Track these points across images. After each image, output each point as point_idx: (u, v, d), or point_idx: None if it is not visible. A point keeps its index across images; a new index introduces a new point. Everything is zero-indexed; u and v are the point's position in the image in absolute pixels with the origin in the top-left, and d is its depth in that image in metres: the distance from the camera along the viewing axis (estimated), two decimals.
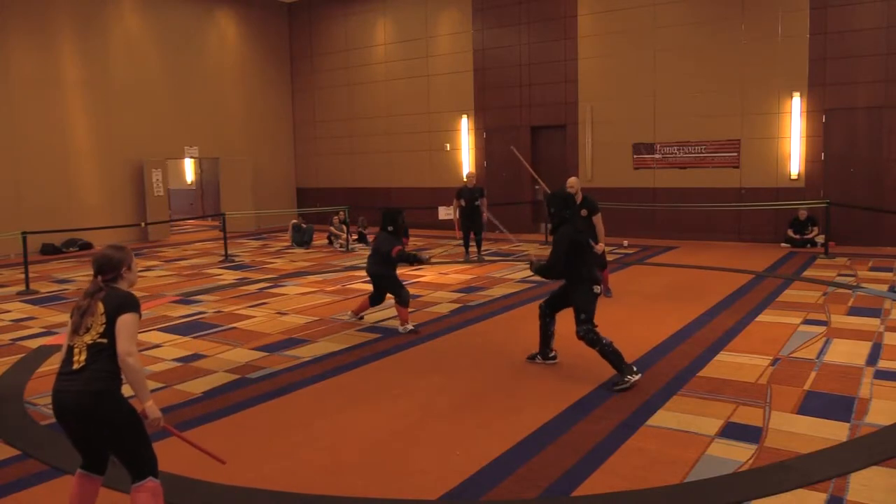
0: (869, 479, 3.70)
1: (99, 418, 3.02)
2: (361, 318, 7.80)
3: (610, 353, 5.32)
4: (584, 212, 8.09)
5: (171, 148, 17.38)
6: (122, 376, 3.07)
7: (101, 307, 3.09)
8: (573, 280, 5.62)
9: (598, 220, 8.22)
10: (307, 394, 5.35)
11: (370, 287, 9.84)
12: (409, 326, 7.24)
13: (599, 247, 7.98)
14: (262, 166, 19.25)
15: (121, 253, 3.27)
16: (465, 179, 12.90)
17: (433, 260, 7.48)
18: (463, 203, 12.00)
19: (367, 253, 13.55)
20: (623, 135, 14.76)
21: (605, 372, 5.66)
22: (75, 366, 3.03)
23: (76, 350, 3.06)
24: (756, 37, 13.28)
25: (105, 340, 3.05)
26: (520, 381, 5.58)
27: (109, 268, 3.21)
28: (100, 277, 3.19)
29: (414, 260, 7.32)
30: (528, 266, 6.00)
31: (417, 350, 6.57)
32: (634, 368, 5.30)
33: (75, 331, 3.09)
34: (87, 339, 3.06)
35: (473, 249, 12.36)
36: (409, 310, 7.68)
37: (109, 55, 16.04)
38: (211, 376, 5.83)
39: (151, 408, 3.09)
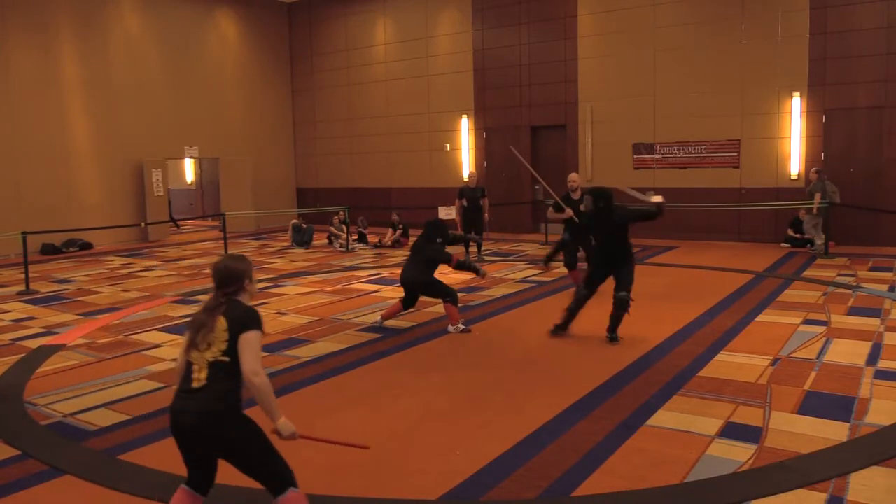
0: (869, 479, 3.70)
1: (221, 439, 2.89)
2: (383, 323, 7.53)
3: (617, 320, 6.53)
4: (583, 207, 8.11)
5: (171, 148, 17.38)
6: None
7: (222, 323, 2.95)
8: (627, 256, 6.62)
9: None
10: (307, 394, 5.35)
11: (370, 287, 9.87)
12: (461, 326, 7.17)
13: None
14: (262, 166, 19.25)
15: (243, 264, 3.12)
16: (466, 179, 12.90)
17: (486, 270, 7.62)
18: (465, 203, 12.02)
19: (367, 253, 13.69)
20: (623, 135, 14.76)
21: (604, 372, 5.66)
22: (195, 384, 2.90)
23: (196, 367, 2.93)
24: (756, 37, 13.28)
25: (227, 359, 2.91)
26: (520, 381, 5.58)
27: (232, 280, 3.06)
28: (221, 291, 3.04)
29: (473, 270, 7.38)
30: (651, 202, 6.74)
31: (417, 350, 6.57)
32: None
33: (194, 346, 2.96)
34: (209, 356, 2.93)
35: (473, 250, 12.36)
36: (411, 309, 7.71)
37: (109, 55, 16.04)
38: None
39: (284, 425, 2.98)
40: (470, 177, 12.51)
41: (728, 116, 13.66)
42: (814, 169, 12.02)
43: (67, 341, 7.15)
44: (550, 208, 8.97)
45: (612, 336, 6.60)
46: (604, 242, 6.77)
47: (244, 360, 2.90)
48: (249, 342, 2.92)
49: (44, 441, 4.55)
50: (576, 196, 8.77)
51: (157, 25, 17.04)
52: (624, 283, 6.51)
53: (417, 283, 7.25)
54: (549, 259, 9.30)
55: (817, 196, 11.59)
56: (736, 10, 13.43)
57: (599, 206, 6.63)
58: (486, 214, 12.18)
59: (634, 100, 14.58)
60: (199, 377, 2.91)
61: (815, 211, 11.69)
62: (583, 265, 9.07)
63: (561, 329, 6.86)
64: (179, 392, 2.96)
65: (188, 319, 3.06)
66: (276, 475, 2.99)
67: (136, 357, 6.51)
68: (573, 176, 9.04)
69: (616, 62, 14.77)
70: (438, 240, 7.31)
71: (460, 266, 7.31)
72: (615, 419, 4.65)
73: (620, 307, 6.46)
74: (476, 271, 7.38)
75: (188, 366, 2.97)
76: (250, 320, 2.97)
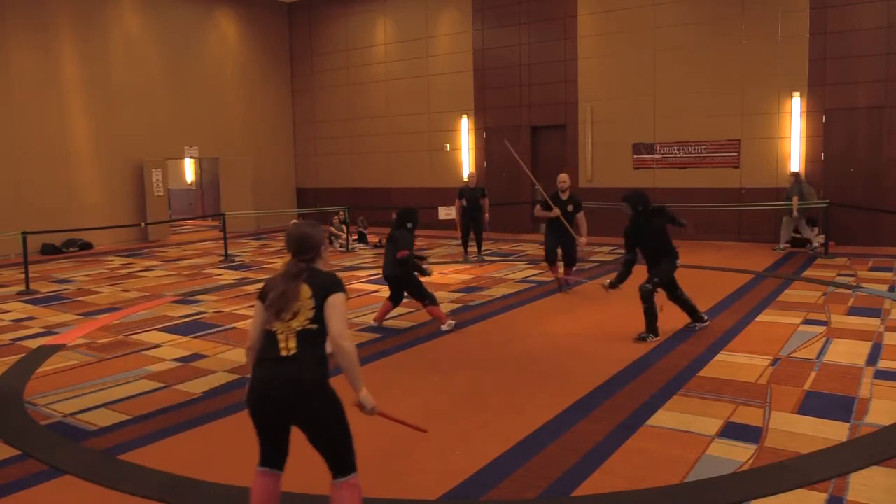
0: (869, 479, 3.70)
1: (313, 410, 2.86)
2: (380, 324, 7.48)
3: (651, 315, 6.61)
4: (570, 207, 8.83)
5: (170, 148, 17.38)
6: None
7: (306, 290, 2.90)
8: (667, 252, 6.79)
9: (581, 216, 8.93)
10: None
11: (370, 287, 9.87)
12: (452, 322, 7.17)
13: (582, 240, 8.81)
14: (262, 166, 19.25)
15: (318, 230, 3.08)
16: (465, 179, 12.93)
17: (432, 269, 7.47)
18: (465, 203, 12.04)
19: (367, 253, 13.69)
20: (623, 135, 14.76)
21: (604, 372, 5.66)
22: (283, 353, 2.84)
23: (281, 336, 2.87)
24: (756, 37, 13.28)
25: (315, 326, 2.87)
26: (520, 381, 5.58)
27: (309, 247, 3.00)
28: (298, 258, 2.99)
29: (417, 270, 7.15)
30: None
31: (417, 350, 6.57)
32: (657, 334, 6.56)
33: (277, 315, 2.88)
34: (295, 324, 2.87)
35: (473, 249, 12.37)
36: (411, 309, 7.72)
37: (109, 55, 16.04)
38: (211, 376, 5.83)
39: (366, 396, 2.94)
40: (469, 177, 12.55)
41: (728, 116, 13.65)
42: (791, 171, 12.47)
43: (67, 341, 7.16)
44: (538, 206, 9.06)
45: (640, 335, 6.63)
46: (643, 246, 6.91)
47: (332, 323, 2.86)
48: (337, 306, 2.89)
49: (44, 441, 4.55)
50: (564, 196, 8.93)
51: (157, 25, 17.04)
52: (650, 275, 6.73)
53: (392, 277, 7.19)
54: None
55: (795, 199, 11.99)
56: (736, 10, 13.43)
57: (639, 209, 6.83)
58: (487, 214, 12.21)
59: (634, 100, 14.58)
60: (288, 346, 2.86)
61: (794, 214, 12.11)
62: (561, 264, 9.18)
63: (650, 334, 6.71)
64: (264, 361, 2.89)
65: (264, 287, 2.98)
66: (348, 455, 2.98)
67: (136, 357, 6.51)
68: (563, 176, 9.21)
69: (616, 62, 14.77)
70: (409, 224, 7.20)
71: (404, 261, 6.97)
72: (615, 419, 4.65)
73: (641, 298, 6.63)
74: (421, 272, 7.12)
75: (270, 336, 2.90)
76: (335, 284, 2.94)
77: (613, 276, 7.15)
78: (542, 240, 9.44)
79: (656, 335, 6.63)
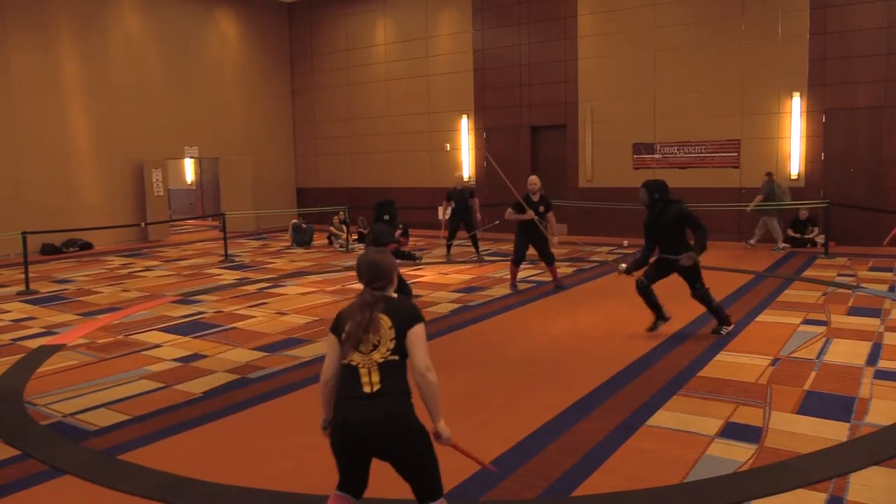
0: (869, 479, 3.70)
1: (404, 444, 2.79)
2: None
3: (717, 310, 6.67)
4: (541, 208, 9.07)
5: (171, 148, 17.38)
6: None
7: (386, 321, 2.82)
8: (682, 251, 6.58)
9: (551, 216, 9.22)
10: (307, 394, 5.34)
11: None
12: None
13: (554, 240, 9.06)
14: (262, 166, 19.25)
15: (390, 258, 3.02)
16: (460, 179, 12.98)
17: (425, 260, 7.57)
18: (453, 205, 12.13)
19: None
20: (623, 135, 14.76)
21: (604, 372, 5.66)
22: (367, 388, 2.75)
23: (363, 371, 2.78)
24: (756, 37, 13.28)
25: (396, 357, 2.80)
26: (520, 381, 5.58)
27: (382, 274, 2.93)
28: (371, 286, 2.91)
29: (407, 257, 7.34)
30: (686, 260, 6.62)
31: None
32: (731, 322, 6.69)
33: (356, 347, 2.80)
34: (377, 357, 2.78)
35: (457, 251, 12.50)
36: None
37: (109, 55, 16.04)
38: (211, 376, 5.83)
39: (444, 427, 2.87)
40: (457, 179, 12.60)
41: (728, 116, 13.65)
42: (766, 172, 12.76)
43: (67, 341, 7.16)
44: (510, 209, 9.16)
45: (714, 330, 6.81)
46: (657, 239, 6.76)
47: (417, 356, 2.79)
48: (419, 337, 2.83)
49: (44, 441, 4.55)
50: (535, 198, 9.11)
51: (157, 25, 17.04)
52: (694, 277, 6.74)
53: None
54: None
55: (758, 198, 12.43)
56: (736, 10, 13.43)
57: (655, 197, 6.61)
58: (478, 214, 12.34)
59: (634, 100, 14.58)
60: (372, 381, 2.77)
61: (749, 210, 12.61)
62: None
63: (659, 320, 6.83)
64: (349, 398, 2.80)
65: (337, 319, 2.92)
66: (438, 481, 2.93)
67: (136, 357, 6.51)
68: (534, 178, 9.44)
69: (616, 62, 14.77)
70: (386, 217, 7.28)
71: (397, 254, 7.19)
72: (615, 419, 4.65)
73: (703, 303, 6.72)
74: (413, 258, 7.45)
75: (351, 371, 2.82)
76: (415, 315, 2.88)
77: (629, 261, 7.15)
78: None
79: (665, 319, 6.74)
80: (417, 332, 2.83)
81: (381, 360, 2.80)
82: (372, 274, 2.94)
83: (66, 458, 4.27)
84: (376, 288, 2.94)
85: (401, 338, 2.82)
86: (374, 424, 2.74)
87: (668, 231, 6.59)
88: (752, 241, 12.73)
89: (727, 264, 10.95)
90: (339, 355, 2.88)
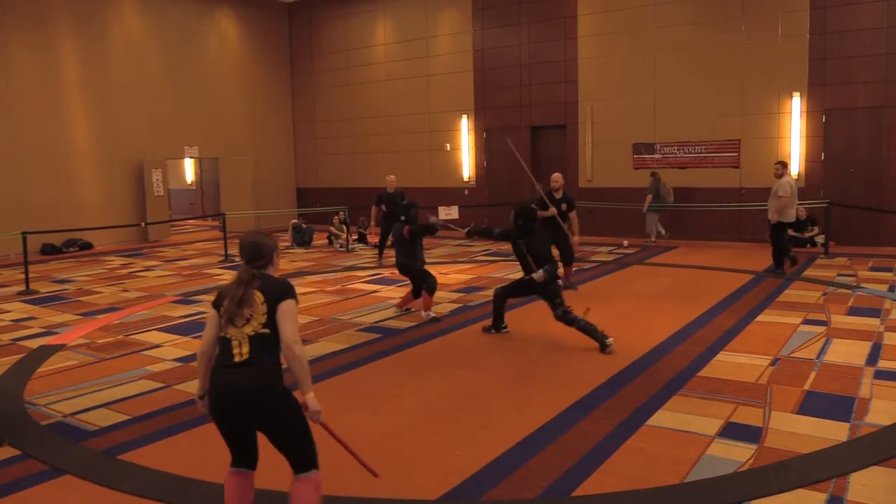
0: (869, 479, 3.70)
1: (270, 412, 2.93)
2: (409, 310, 8.07)
3: (587, 329, 6.32)
4: (564, 206, 9.07)
5: (171, 148, 17.38)
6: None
7: (259, 296, 2.99)
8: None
9: (574, 214, 9.23)
10: None
11: (370, 287, 9.87)
12: (431, 314, 7.62)
13: (575, 239, 9.09)
14: (262, 166, 19.25)
15: (270, 239, 3.19)
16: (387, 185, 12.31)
17: (437, 221, 7.95)
18: (384, 208, 11.60)
19: (367, 253, 13.68)
20: (623, 135, 14.76)
21: (604, 372, 5.67)
22: (237, 358, 2.92)
23: (235, 342, 2.94)
24: (756, 37, 13.28)
25: (268, 331, 2.95)
26: (520, 381, 5.58)
27: (261, 254, 3.12)
28: (250, 265, 3.09)
29: (426, 229, 7.75)
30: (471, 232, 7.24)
31: (417, 350, 6.57)
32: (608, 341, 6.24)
33: (231, 321, 2.97)
34: (248, 329, 2.95)
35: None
36: (409, 307, 7.88)
37: (109, 55, 16.04)
38: None
39: (314, 399, 3.00)
40: (388, 182, 12.14)
41: (728, 116, 13.65)
42: (651, 172, 13.70)
43: (67, 341, 7.16)
44: (533, 206, 9.07)
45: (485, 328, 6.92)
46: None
47: (284, 328, 2.94)
48: (288, 311, 2.97)
49: (44, 441, 4.55)
50: (558, 195, 9.13)
51: (157, 25, 17.03)
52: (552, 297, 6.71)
53: (403, 267, 7.85)
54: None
55: (648, 198, 13.39)
56: (736, 10, 13.43)
57: (518, 223, 6.83)
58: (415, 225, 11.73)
59: (634, 100, 14.58)
60: (242, 351, 2.93)
61: (644, 211, 13.61)
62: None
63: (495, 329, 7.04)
64: (221, 367, 2.96)
65: (218, 296, 3.08)
66: (309, 453, 3.05)
67: (136, 357, 6.51)
68: (556, 176, 9.45)
69: (616, 62, 14.77)
70: (402, 217, 7.81)
71: (413, 233, 7.64)
72: (615, 419, 4.65)
73: (569, 324, 6.58)
74: (432, 228, 7.87)
75: (225, 342, 2.97)
76: (286, 291, 3.02)
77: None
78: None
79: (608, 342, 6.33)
80: (287, 307, 2.98)
81: (253, 333, 2.95)
82: (252, 253, 3.12)
83: (66, 458, 4.27)
84: (256, 267, 3.10)
85: (272, 313, 2.97)
86: (240, 390, 2.89)
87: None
88: (652, 238, 13.77)
89: (727, 264, 10.95)
90: (216, 329, 3.04)
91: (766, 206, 12.42)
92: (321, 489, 3.09)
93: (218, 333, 3.03)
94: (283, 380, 2.99)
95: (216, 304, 3.07)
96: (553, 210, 8.88)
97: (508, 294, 7.01)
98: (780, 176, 10.22)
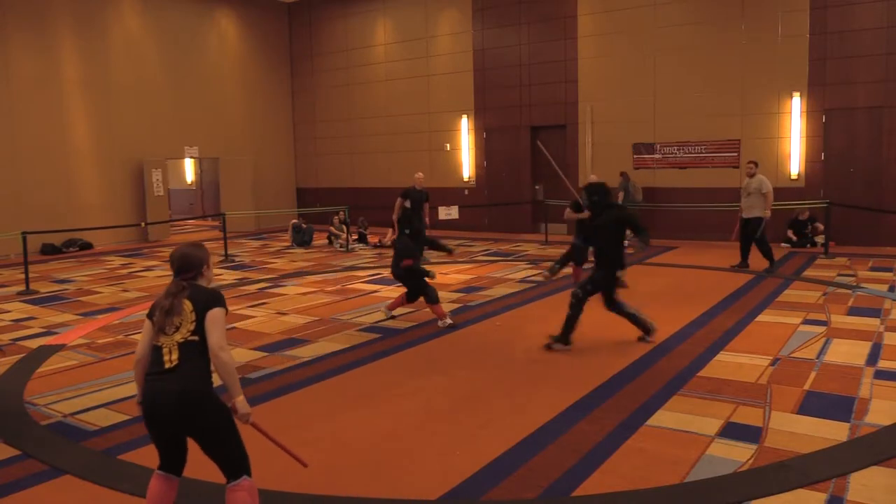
0: (869, 479, 3.70)
1: (198, 418, 2.99)
2: (394, 317, 7.82)
3: (568, 320, 6.33)
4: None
5: (171, 148, 17.38)
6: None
7: (188, 305, 3.05)
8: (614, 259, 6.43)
9: None
10: (307, 394, 5.34)
11: (370, 287, 9.87)
12: (448, 321, 7.34)
13: None
14: (262, 166, 19.25)
15: (200, 251, 3.25)
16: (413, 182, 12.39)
17: (434, 272, 7.61)
18: (408, 204, 11.56)
19: (367, 253, 13.69)
20: (623, 135, 14.76)
21: (604, 372, 5.67)
22: (167, 365, 2.98)
23: (165, 350, 3.01)
24: (756, 37, 13.28)
25: (196, 338, 3.01)
26: (520, 381, 5.58)
27: (190, 266, 3.17)
28: (180, 277, 3.15)
29: (423, 275, 7.41)
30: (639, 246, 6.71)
31: (417, 350, 6.57)
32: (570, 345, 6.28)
33: (162, 330, 3.04)
34: (178, 337, 3.01)
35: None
36: (410, 309, 7.79)
37: (109, 55, 16.04)
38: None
39: (242, 402, 3.06)
40: (416, 180, 12.14)
41: (728, 116, 13.66)
42: (621, 172, 13.89)
43: (67, 341, 7.16)
44: (568, 209, 9.02)
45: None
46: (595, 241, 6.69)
47: (211, 335, 3.00)
48: (216, 319, 3.03)
49: (44, 441, 4.55)
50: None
51: (157, 25, 17.04)
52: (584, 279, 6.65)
53: (397, 277, 7.55)
54: (560, 267, 9.52)
55: (620, 195, 13.44)
56: (736, 10, 13.43)
57: (593, 199, 6.57)
58: (427, 219, 11.79)
59: (634, 100, 14.58)
60: (171, 358, 2.99)
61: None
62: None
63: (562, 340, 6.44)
64: (151, 374, 3.03)
65: (151, 307, 3.16)
66: (238, 459, 3.09)
67: None
68: (592, 178, 9.46)
69: (616, 62, 14.77)
70: (406, 231, 7.59)
71: (409, 272, 7.33)
72: (615, 419, 4.65)
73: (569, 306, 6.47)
74: (427, 274, 7.37)
75: (157, 350, 3.04)
76: (214, 300, 3.09)
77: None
78: (571, 241, 9.58)
79: (566, 344, 6.33)
80: (214, 315, 3.04)
81: (182, 340, 3.01)
82: (181, 265, 3.17)
83: (66, 458, 4.27)
84: (186, 278, 3.16)
85: (201, 321, 3.03)
86: (170, 396, 2.95)
87: (604, 235, 6.49)
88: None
89: (727, 264, 10.95)
90: (150, 338, 3.10)
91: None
92: (256, 494, 3.10)
93: (151, 342, 3.10)
94: (211, 386, 3.04)
95: (150, 315, 3.14)
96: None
97: (592, 294, 6.46)
98: (753, 175, 10.37)
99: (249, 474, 3.11)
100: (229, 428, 3.06)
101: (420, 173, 12.47)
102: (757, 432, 4.36)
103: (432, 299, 7.33)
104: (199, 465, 4.11)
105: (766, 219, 10.22)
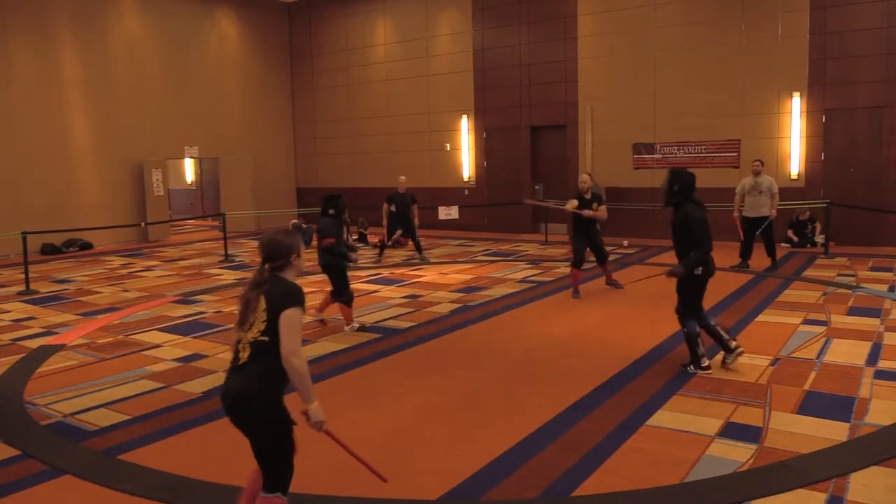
0: (869, 479, 3.70)
1: (249, 420, 2.93)
2: (323, 321, 7.61)
3: (690, 341, 5.61)
4: (595, 205, 9.05)
5: (171, 148, 17.37)
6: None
7: (262, 303, 2.93)
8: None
9: (604, 209, 9.21)
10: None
11: (370, 287, 9.87)
12: (355, 325, 7.27)
13: (587, 212, 8.89)
14: (262, 166, 19.25)
15: (291, 238, 3.08)
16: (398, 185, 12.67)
17: (357, 258, 7.41)
18: (393, 209, 12.18)
19: (368, 253, 13.67)
20: (623, 135, 14.75)
21: (604, 372, 5.66)
22: (240, 361, 2.96)
23: (241, 346, 2.97)
24: (756, 37, 13.28)
25: (266, 338, 2.90)
26: (520, 381, 5.58)
27: (279, 254, 3.01)
28: (267, 265, 3.01)
29: (342, 258, 7.17)
30: (671, 274, 5.67)
31: (417, 350, 6.57)
32: (706, 362, 5.59)
33: (240, 324, 2.99)
34: (250, 336, 2.94)
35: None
36: (411, 309, 7.77)
37: (109, 55, 16.04)
38: (211, 376, 5.82)
39: (315, 410, 2.96)
40: (399, 183, 12.45)
41: (728, 116, 13.65)
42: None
43: (67, 341, 7.16)
44: (573, 199, 9.12)
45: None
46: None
47: (283, 340, 2.86)
48: (289, 321, 2.88)
49: (44, 441, 4.55)
50: (587, 196, 9.11)
51: (157, 26, 17.03)
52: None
53: (324, 266, 7.31)
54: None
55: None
56: (736, 10, 13.43)
57: (673, 189, 5.69)
58: (417, 220, 12.31)
59: (634, 100, 14.58)
60: (243, 356, 2.95)
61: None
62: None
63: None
64: (229, 370, 3.02)
65: (240, 294, 3.06)
66: (277, 473, 3.00)
67: (136, 357, 6.51)
68: (584, 177, 9.43)
69: (616, 62, 14.77)
70: (331, 211, 7.24)
71: (328, 249, 7.06)
72: (615, 419, 4.65)
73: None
74: (346, 258, 7.21)
75: (236, 344, 3.02)
76: (290, 299, 2.93)
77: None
78: (570, 241, 9.56)
79: (699, 367, 5.58)
80: (287, 317, 2.89)
81: (252, 340, 2.94)
82: (269, 253, 3.02)
83: (66, 458, 4.27)
84: (273, 267, 3.02)
85: (272, 321, 2.90)
86: (230, 394, 2.94)
87: (679, 229, 5.68)
88: None
89: (727, 264, 10.94)
90: (236, 329, 3.09)
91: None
92: None
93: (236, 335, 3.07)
94: (273, 390, 2.95)
95: (239, 304, 3.11)
96: (589, 212, 8.87)
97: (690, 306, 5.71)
98: (759, 173, 10.43)
99: (285, 493, 3.01)
100: (277, 438, 2.96)
101: (403, 177, 12.74)
102: (757, 432, 4.36)
103: (348, 302, 7.25)
104: (200, 465, 4.11)
105: (772, 218, 10.27)
